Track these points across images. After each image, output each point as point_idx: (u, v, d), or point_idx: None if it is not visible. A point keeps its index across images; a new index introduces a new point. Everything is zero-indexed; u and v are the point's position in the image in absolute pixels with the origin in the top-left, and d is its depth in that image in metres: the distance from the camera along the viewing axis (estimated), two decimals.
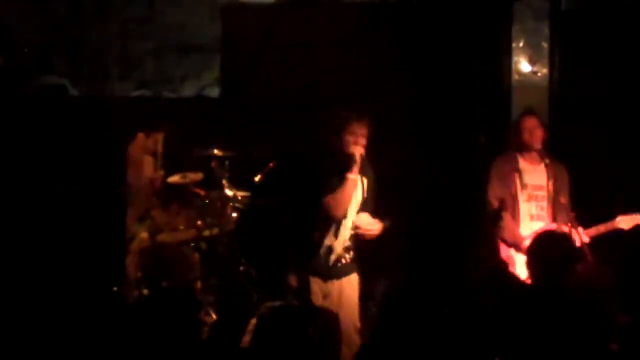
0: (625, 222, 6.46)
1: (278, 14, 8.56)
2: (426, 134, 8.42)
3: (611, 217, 6.54)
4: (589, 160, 7.97)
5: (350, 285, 5.96)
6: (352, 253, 5.96)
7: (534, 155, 6.60)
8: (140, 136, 7.63)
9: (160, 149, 7.66)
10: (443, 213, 8.08)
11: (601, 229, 6.43)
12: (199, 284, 7.34)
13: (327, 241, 5.87)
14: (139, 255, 7.32)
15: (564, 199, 6.44)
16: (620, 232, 6.51)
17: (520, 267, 6.51)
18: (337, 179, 5.78)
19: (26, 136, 8.12)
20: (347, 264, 5.94)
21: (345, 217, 5.88)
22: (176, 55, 8.90)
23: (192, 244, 7.42)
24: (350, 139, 5.80)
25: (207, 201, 7.53)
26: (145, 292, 7.14)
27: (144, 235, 7.49)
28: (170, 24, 8.85)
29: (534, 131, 6.57)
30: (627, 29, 8.17)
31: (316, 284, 5.83)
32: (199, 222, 7.42)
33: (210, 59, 8.91)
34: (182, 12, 8.85)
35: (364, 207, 6.01)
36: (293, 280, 5.88)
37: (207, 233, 7.42)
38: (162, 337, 4.03)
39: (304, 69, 8.40)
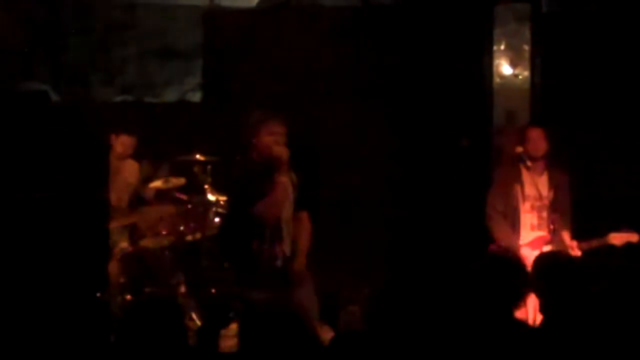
0: (617, 239, 6.50)
1: (259, 19, 8.57)
2: (407, 137, 8.44)
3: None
4: (571, 163, 8.00)
5: (304, 291, 5.71)
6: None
7: (538, 164, 6.66)
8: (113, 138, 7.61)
9: (130, 151, 7.63)
10: (424, 216, 8.11)
11: (593, 243, 6.49)
12: (181, 289, 7.34)
13: (268, 248, 5.64)
14: (121, 261, 7.32)
15: (560, 208, 6.50)
16: (611, 247, 6.55)
17: None
18: (267, 182, 5.53)
19: (7, 142, 8.10)
20: (296, 269, 5.73)
21: (281, 219, 5.68)
22: (158, 60, 8.89)
23: (175, 249, 7.42)
24: (270, 139, 5.57)
25: (190, 206, 7.55)
26: (129, 297, 7.14)
27: (127, 240, 7.50)
28: (152, 29, 8.84)
29: (538, 142, 6.63)
30: (607, 31, 8.19)
31: (264, 296, 5.49)
32: (182, 227, 7.43)
33: (192, 64, 8.92)
34: (164, 17, 8.85)
35: (301, 205, 5.84)
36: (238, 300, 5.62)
37: (189, 238, 7.43)
38: (145, 343, 4.03)
39: (286, 74, 8.41)
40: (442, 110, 8.42)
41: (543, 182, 6.66)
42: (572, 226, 6.53)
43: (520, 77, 8.51)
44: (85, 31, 8.75)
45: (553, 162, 6.69)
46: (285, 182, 5.57)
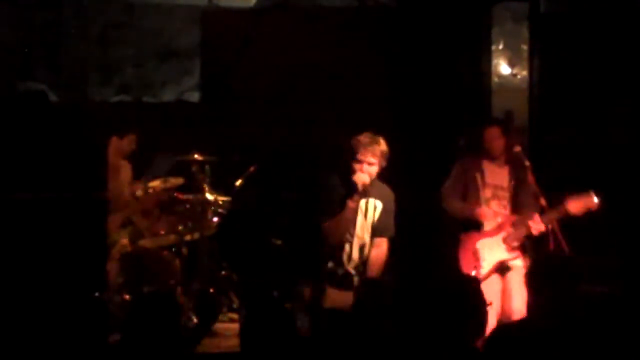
0: (574, 207, 6.20)
1: (257, 19, 8.57)
2: (406, 137, 8.44)
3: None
4: (568, 162, 8.01)
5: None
6: (358, 277, 5.88)
7: (498, 159, 6.68)
8: (114, 140, 7.64)
9: (133, 149, 7.67)
10: (422, 214, 8.10)
11: (553, 214, 6.21)
12: (180, 289, 7.33)
13: (339, 256, 5.83)
14: (120, 261, 7.30)
15: (524, 198, 6.49)
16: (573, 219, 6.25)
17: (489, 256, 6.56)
18: (339, 205, 5.69)
19: (5, 141, 8.09)
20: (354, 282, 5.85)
21: (349, 240, 5.84)
22: (156, 60, 8.91)
23: (173, 249, 7.41)
24: (355, 165, 5.68)
25: (188, 206, 7.53)
26: (127, 297, 7.12)
27: (125, 240, 7.49)
28: (150, 29, 8.86)
29: (494, 141, 6.66)
30: (605, 30, 8.20)
31: (332, 293, 5.70)
32: (180, 227, 7.41)
33: (190, 63, 8.93)
34: (161, 17, 8.87)
35: (380, 232, 6.00)
36: (307, 290, 5.75)
37: (188, 238, 7.41)
38: (144, 341, 4.04)
39: (284, 73, 8.42)
40: (440, 110, 8.43)
41: (504, 174, 6.68)
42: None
43: (518, 76, 8.53)
44: (83, 31, 8.76)
45: (512, 155, 6.65)
46: (354, 209, 5.67)
